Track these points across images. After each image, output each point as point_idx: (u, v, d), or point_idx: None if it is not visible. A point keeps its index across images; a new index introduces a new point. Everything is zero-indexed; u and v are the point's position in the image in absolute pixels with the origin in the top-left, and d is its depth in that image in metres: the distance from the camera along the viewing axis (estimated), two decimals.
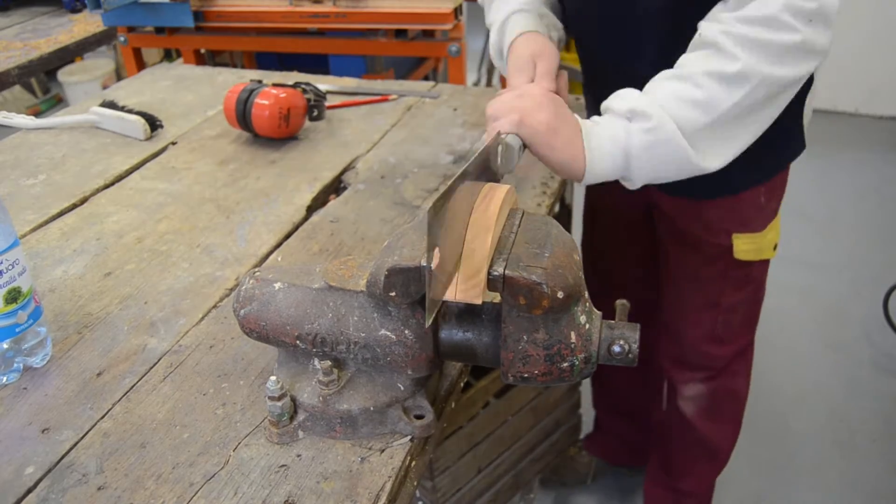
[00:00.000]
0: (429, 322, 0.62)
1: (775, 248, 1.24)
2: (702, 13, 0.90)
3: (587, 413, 1.81)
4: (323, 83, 1.53)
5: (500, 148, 0.83)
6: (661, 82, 0.88)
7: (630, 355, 0.67)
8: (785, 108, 0.99)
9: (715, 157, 0.88)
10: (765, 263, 1.27)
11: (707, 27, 0.87)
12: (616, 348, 0.66)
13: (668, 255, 1.32)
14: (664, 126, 0.84)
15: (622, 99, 0.88)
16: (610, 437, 1.80)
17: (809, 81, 1.05)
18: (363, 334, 0.69)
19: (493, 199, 0.67)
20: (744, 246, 1.20)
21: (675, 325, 1.37)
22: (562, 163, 0.87)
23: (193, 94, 1.56)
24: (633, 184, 0.91)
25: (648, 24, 1.00)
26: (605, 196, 1.40)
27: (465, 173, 0.65)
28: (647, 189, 1.21)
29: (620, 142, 0.87)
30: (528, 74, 1.00)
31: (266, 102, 1.26)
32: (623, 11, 1.02)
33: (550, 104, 0.87)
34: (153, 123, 1.36)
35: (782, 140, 1.12)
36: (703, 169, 0.88)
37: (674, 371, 1.43)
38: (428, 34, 2.08)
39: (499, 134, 0.84)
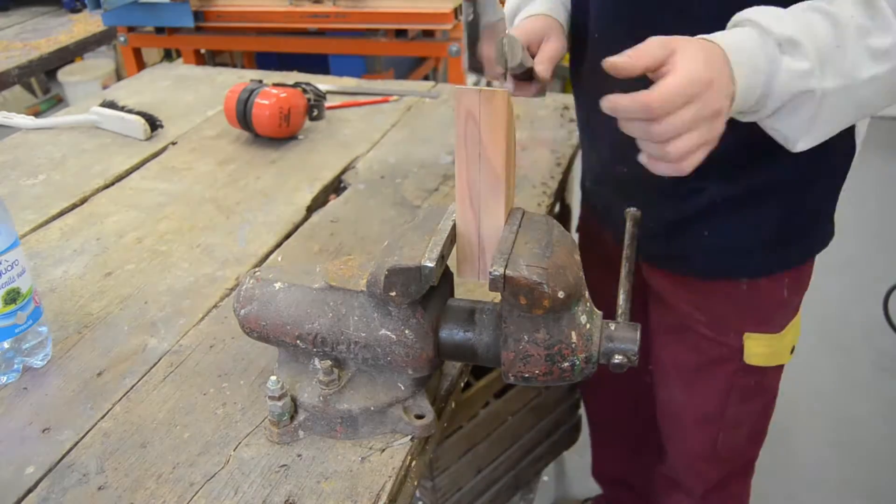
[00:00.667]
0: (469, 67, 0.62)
1: (793, 350, 1.02)
2: None
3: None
4: (323, 83, 1.53)
5: (504, 40, 0.78)
6: (808, 13, 0.70)
7: (630, 359, 0.67)
8: (823, 189, 0.91)
9: (812, 139, 0.73)
10: (779, 369, 1.06)
11: None
12: (616, 360, 0.66)
13: (661, 351, 1.10)
14: (814, 73, 0.68)
15: (776, 21, 0.69)
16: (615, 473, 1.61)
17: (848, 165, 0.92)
18: (363, 334, 0.69)
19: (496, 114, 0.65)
20: (757, 349, 0.98)
21: (668, 432, 1.17)
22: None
23: (193, 94, 1.56)
24: (748, 117, 0.74)
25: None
26: (595, 242, 1.17)
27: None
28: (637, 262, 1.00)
29: (763, 73, 0.69)
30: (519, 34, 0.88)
31: (267, 102, 1.26)
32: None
33: (722, 104, 0.66)
34: (153, 123, 1.36)
35: (817, 223, 0.96)
36: (795, 143, 0.73)
37: (662, 484, 1.25)
38: (428, 34, 2.08)
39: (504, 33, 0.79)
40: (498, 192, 0.67)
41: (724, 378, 1.03)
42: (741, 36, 0.68)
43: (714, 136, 0.65)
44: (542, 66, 0.88)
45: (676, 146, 0.63)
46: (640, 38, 0.66)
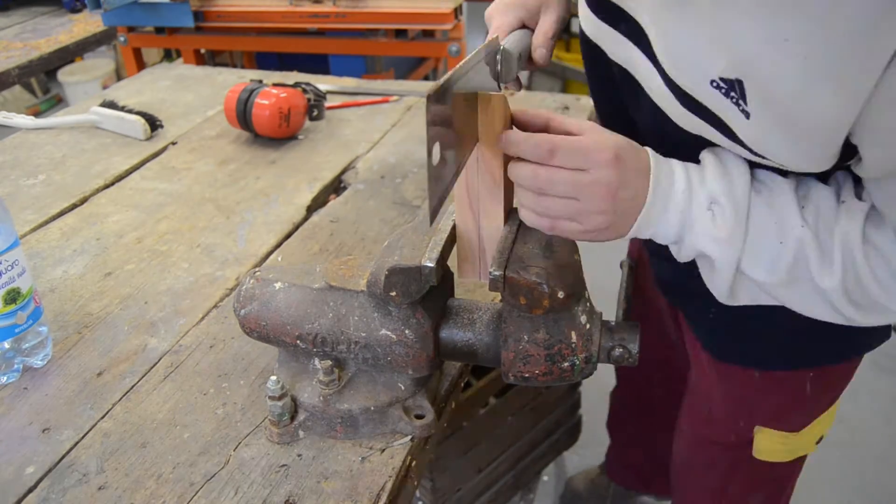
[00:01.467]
0: (431, 222, 0.57)
1: (820, 441, 0.91)
2: None
3: (587, 413, 1.81)
4: (323, 83, 1.53)
5: (498, 56, 0.73)
6: (778, 199, 0.62)
7: (630, 359, 0.67)
8: None
9: (729, 300, 0.69)
10: (799, 461, 0.94)
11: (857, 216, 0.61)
12: (616, 353, 0.67)
13: (685, 405, 1.03)
14: (734, 244, 0.62)
15: (716, 180, 0.62)
16: (628, 466, 1.62)
17: None
18: (363, 334, 0.69)
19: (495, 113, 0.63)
20: (769, 445, 0.88)
21: (673, 485, 1.12)
22: (605, 240, 0.66)
23: (193, 94, 1.56)
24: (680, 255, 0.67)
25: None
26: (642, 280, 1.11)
27: (462, 69, 0.59)
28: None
29: (680, 224, 0.63)
30: (513, 17, 0.79)
31: (266, 102, 1.26)
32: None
33: (614, 190, 0.60)
34: (153, 123, 1.36)
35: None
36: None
37: None
38: (428, 34, 2.08)
39: (496, 39, 0.73)
40: (496, 195, 0.67)
41: (729, 463, 0.95)
42: (678, 179, 0.63)
43: (590, 226, 0.62)
44: (538, 52, 0.80)
45: (552, 204, 0.61)
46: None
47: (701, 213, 0.62)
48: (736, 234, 0.61)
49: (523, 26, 0.80)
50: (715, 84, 0.57)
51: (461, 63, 0.59)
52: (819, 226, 0.61)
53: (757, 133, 0.58)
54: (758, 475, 0.94)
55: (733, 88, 0.56)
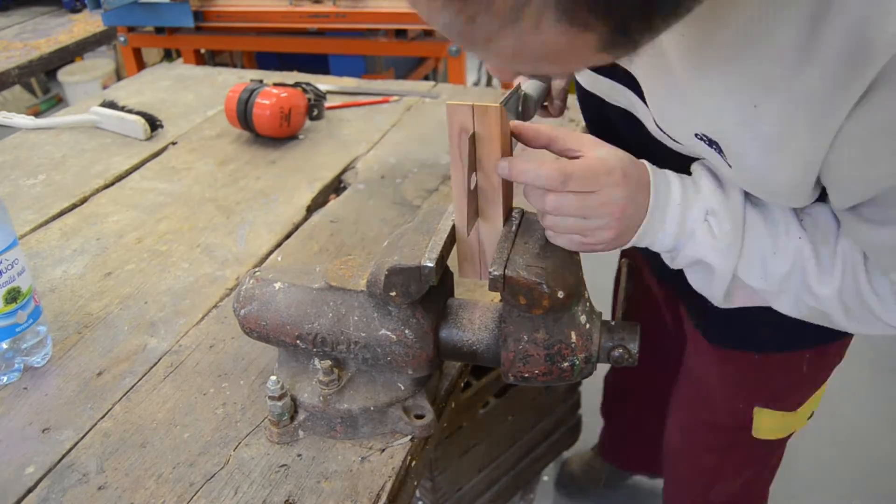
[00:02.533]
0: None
1: (811, 416, 0.96)
2: None
3: (587, 413, 1.81)
4: (323, 83, 1.53)
5: (518, 98, 0.79)
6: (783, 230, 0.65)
7: (630, 359, 0.67)
8: None
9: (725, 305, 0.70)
10: (789, 435, 1.00)
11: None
12: (616, 354, 0.67)
13: (685, 380, 1.07)
14: (729, 256, 0.65)
15: (712, 193, 0.65)
16: (622, 447, 1.68)
17: None
18: (363, 334, 0.69)
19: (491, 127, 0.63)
20: (768, 424, 0.93)
21: (667, 465, 1.17)
22: (604, 251, 0.67)
23: (193, 94, 1.56)
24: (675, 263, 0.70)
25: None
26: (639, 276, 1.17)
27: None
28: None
29: (674, 234, 0.66)
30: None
31: (267, 102, 1.26)
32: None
33: (622, 208, 0.62)
34: (153, 123, 1.36)
35: None
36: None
37: None
38: (428, 34, 2.08)
39: (518, 86, 0.79)
40: (496, 202, 0.67)
41: (727, 444, 1.00)
42: (675, 193, 0.65)
43: (595, 241, 0.64)
44: (555, 104, 0.90)
45: (562, 223, 0.63)
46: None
47: (699, 224, 0.65)
48: (734, 243, 0.64)
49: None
50: (699, 136, 0.61)
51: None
52: (817, 237, 0.64)
53: (739, 181, 0.63)
54: (753, 453, 0.99)
55: (713, 144, 0.60)
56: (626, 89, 0.71)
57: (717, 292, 0.69)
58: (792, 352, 0.87)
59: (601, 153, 0.62)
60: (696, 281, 0.72)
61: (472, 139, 0.63)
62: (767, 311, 0.75)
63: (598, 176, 0.61)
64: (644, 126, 0.72)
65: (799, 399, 0.92)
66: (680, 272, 0.80)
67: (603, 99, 0.79)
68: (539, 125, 0.66)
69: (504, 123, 0.63)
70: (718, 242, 0.64)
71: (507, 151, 0.65)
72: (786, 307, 0.68)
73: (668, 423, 1.16)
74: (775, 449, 1.03)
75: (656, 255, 0.84)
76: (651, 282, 1.10)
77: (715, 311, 0.83)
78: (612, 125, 0.79)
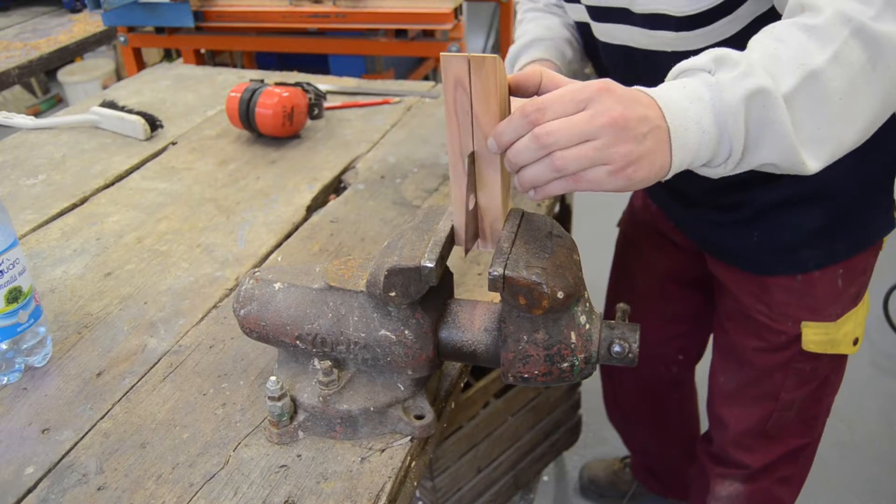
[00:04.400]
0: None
1: (856, 342, 1.06)
2: None
3: (587, 413, 1.81)
4: (323, 83, 1.53)
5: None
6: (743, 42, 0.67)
7: (630, 355, 0.67)
8: (869, 188, 0.94)
9: (811, 149, 0.64)
10: (840, 359, 1.09)
11: None
12: (616, 348, 0.66)
13: (726, 335, 1.16)
14: (755, 72, 0.61)
15: (698, 56, 0.64)
16: (650, 470, 1.70)
17: None
18: (363, 334, 0.69)
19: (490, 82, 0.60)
20: (814, 336, 1.03)
21: (719, 412, 1.21)
22: (645, 180, 0.61)
23: (193, 94, 1.56)
24: (728, 166, 0.64)
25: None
26: (645, 246, 1.31)
27: None
28: (704, 257, 1.13)
29: (706, 102, 0.61)
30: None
31: (270, 101, 1.26)
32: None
33: (620, 112, 0.58)
34: (153, 123, 1.36)
35: (867, 213, 0.98)
36: (801, 162, 0.64)
37: (709, 464, 1.27)
38: (428, 34, 2.08)
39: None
40: (493, 161, 0.64)
41: (782, 361, 1.08)
42: (672, 83, 0.64)
43: (619, 161, 0.57)
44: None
45: (566, 155, 0.57)
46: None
47: (712, 80, 0.61)
48: (744, 62, 0.62)
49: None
50: None
51: None
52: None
53: None
54: (806, 372, 1.08)
55: None
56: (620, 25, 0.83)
57: (786, 128, 0.62)
58: (827, 267, 0.99)
59: (576, 84, 0.59)
60: (770, 150, 0.65)
61: (472, 158, 0.62)
62: (804, 235, 0.89)
63: (576, 93, 0.57)
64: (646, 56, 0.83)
65: (838, 311, 1.02)
66: (725, 221, 1.02)
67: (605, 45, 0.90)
68: (528, 69, 0.64)
69: (501, 75, 0.60)
70: (736, 70, 0.61)
71: (505, 108, 0.62)
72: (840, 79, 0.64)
73: (714, 379, 1.22)
74: (827, 371, 1.09)
75: (698, 223, 1.06)
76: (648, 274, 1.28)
77: (759, 246, 0.99)
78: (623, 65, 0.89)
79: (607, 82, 0.59)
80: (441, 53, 0.59)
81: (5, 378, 0.79)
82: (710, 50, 0.64)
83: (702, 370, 1.38)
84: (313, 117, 1.34)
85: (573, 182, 0.59)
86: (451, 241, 0.69)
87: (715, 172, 0.65)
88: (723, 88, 0.61)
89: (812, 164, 0.64)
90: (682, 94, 0.61)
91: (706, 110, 0.61)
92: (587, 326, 0.66)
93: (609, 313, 1.40)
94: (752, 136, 0.62)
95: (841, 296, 1.01)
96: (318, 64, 2.91)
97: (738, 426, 1.18)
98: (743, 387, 1.15)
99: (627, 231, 1.37)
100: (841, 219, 0.94)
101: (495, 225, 0.68)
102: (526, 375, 0.67)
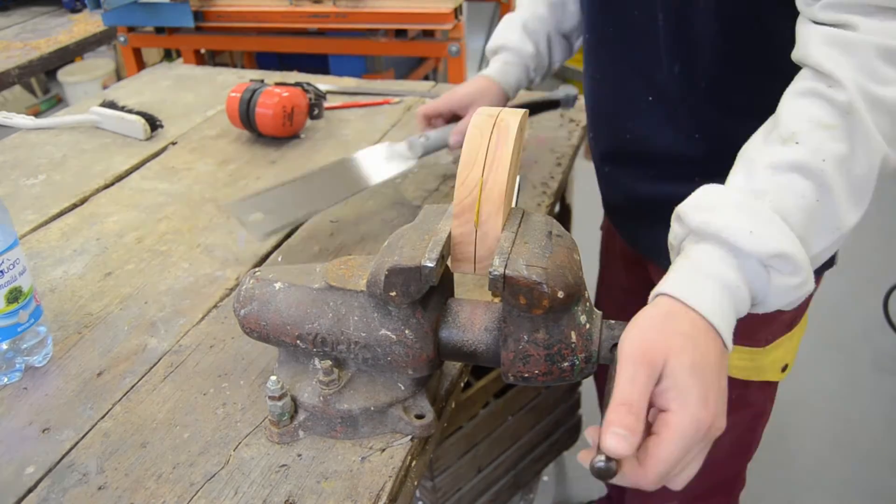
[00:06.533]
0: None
1: (785, 369, 1.01)
2: None
3: (587, 413, 1.81)
4: (323, 83, 1.53)
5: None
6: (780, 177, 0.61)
7: None
8: None
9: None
10: (768, 386, 1.03)
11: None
12: (616, 353, 0.66)
13: None
14: (810, 280, 0.61)
15: (750, 225, 0.59)
16: None
17: None
18: (363, 334, 0.69)
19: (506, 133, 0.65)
20: (737, 361, 0.97)
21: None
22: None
23: (193, 94, 1.56)
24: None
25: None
26: (613, 264, 1.29)
27: None
28: (648, 264, 1.08)
29: (749, 301, 0.62)
30: (445, 107, 1.07)
31: (270, 101, 1.26)
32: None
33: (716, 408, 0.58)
34: (153, 123, 1.36)
35: None
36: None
37: (638, 499, 1.22)
38: (428, 34, 2.08)
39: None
40: (499, 212, 0.66)
41: None
42: (715, 276, 0.59)
43: (716, 430, 0.58)
44: (454, 138, 1.06)
45: (680, 480, 0.58)
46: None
47: (765, 278, 0.60)
48: (804, 267, 0.60)
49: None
50: None
51: None
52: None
53: None
54: (730, 399, 0.98)
55: None
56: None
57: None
58: None
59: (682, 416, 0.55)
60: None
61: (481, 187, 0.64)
62: None
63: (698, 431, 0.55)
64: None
65: (767, 336, 0.96)
66: (657, 234, 0.85)
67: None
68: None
69: (522, 128, 0.65)
70: (793, 279, 0.59)
71: (518, 154, 0.66)
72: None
73: None
74: (757, 399, 1.04)
75: (635, 228, 1.01)
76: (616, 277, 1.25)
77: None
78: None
79: (712, 408, 0.57)
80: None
81: (5, 378, 0.79)
82: (766, 215, 0.59)
83: None
84: (313, 117, 1.34)
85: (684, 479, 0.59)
86: (451, 241, 0.69)
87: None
88: (770, 295, 0.62)
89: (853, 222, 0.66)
90: (733, 301, 0.60)
91: (746, 306, 0.62)
92: (587, 326, 0.66)
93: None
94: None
95: (770, 320, 0.93)
96: (318, 64, 2.91)
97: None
98: None
99: (604, 237, 1.36)
100: None
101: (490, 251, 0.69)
102: (526, 375, 0.67)
